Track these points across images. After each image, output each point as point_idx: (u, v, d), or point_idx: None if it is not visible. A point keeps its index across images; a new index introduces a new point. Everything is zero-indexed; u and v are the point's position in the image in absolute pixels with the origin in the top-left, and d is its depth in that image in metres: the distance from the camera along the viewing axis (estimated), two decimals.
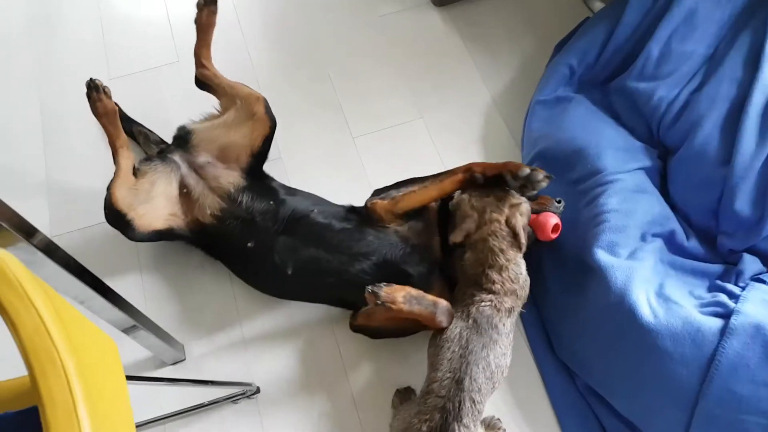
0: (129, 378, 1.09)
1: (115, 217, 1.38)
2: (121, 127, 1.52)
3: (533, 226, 1.36)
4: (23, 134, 1.74)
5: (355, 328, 1.39)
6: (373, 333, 1.42)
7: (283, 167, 1.68)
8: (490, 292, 1.24)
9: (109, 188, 1.39)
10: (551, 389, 1.40)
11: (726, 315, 1.19)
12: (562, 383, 1.40)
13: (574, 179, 1.49)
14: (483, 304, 1.22)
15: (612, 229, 1.35)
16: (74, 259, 0.98)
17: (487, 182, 1.35)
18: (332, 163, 1.69)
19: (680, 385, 1.18)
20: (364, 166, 1.68)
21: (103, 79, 1.51)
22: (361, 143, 1.72)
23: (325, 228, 1.37)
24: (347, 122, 1.76)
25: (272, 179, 1.51)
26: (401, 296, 1.22)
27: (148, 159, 1.49)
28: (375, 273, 1.34)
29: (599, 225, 1.37)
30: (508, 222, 1.29)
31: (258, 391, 1.39)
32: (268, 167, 1.64)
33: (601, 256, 1.32)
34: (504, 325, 1.23)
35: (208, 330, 1.46)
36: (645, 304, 1.24)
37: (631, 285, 1.26)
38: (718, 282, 1.32)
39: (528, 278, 1.30)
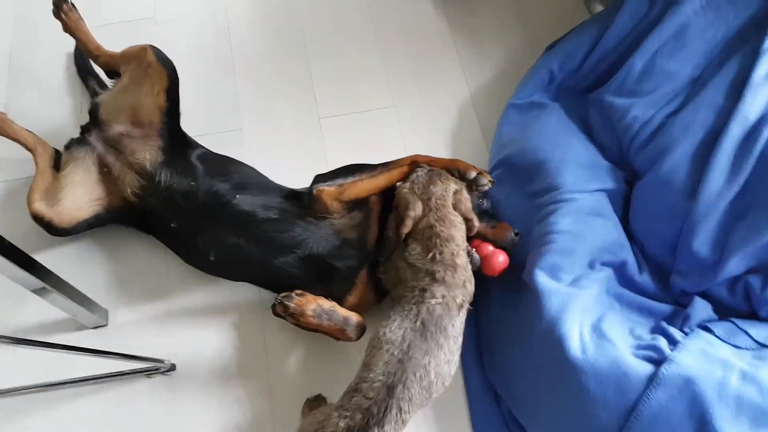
0: (32, 342, 1.07)
1: (36, 220, 1.37)
2: (20, 129, 1.48)
3: (482, 259, 1.30)
4: None
5: (276, 314, 1.31)
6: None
7: (241, 138, 1.62)
8: (442, 283, 1.16)
9: (28, 193, 1.39)
10: (474, 409, 1.34)
11: (659, 361, 1.10)
12: (486, 404, 1.34)
13: (532, 192, 1.40)
14: (434, 301, 1.14)
15: (558, 251, 1.26)
16: None
17: None
18: (293, 141, 1.63)
19: (599, 429, 1.11)
20: (326, 148, 1.61)
21: None
22: (326, 124, 1.65)
23: (247, 216, 1.30)
24: (316, 101, 1.68)
25: (194, 149, 1.43)
26: (311, 309, 1.20)
27: (68, 146, 1.45)
28: (299, 266, 1.29)
29: (546, 245, 1.28)
30: (455, 207, 1.24)
31: (173, 368, 1.35)
32: (226, 138, 1.61)
33: (541, 278, 1.24)
34: (453, 326, 1.15)
35: (134, 299, 1.43)
36: (576, 337, 1.16)
37: (565, 314, 1.18)
38: (663, 324, 1.23)
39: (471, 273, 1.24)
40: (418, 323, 1.12)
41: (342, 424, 1.05)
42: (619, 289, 1.29)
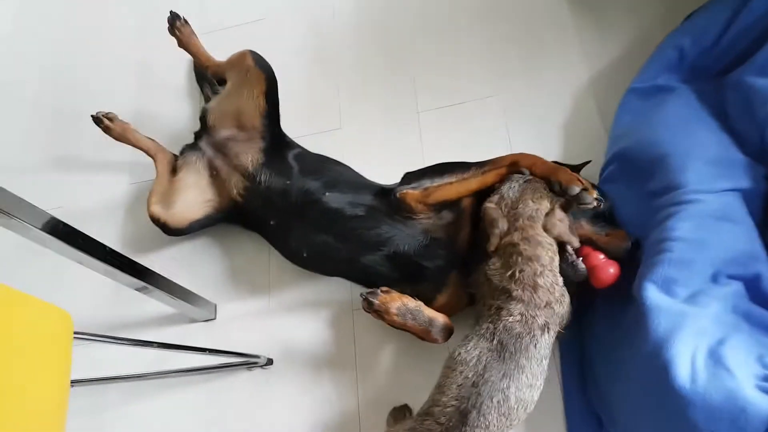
0: (145, 342, 1.18)
1: (153, 222, 1.48)
2: (142, 138, 1.59)
3: (589, 270, 1.17)
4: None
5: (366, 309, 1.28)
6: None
7: (340, 137, 1.62)
8: (520, 301, 1.07)
9: (148, 197, 1.51)
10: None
11: None
12: (586, 427, 1.22)
13: (651, 191, 1.22)
14: (511, 319, 1.06)
15: (674, 262, 1.09)
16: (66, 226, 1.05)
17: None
18: (390, 138, 1.59)
19: None
20: (423, 144, 1.55)
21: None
22: (424, 119, 1.59)
23: (335, 214, 1.30)
24: (416, 94, 1.62)
25: (292, 150, 1.46)
26: (395, 307, 1.15)
27: (182, 151, 1.54)
28: (386, 264, 1.27)
29: (660, 254, 1.11)
30: (546, 230, 1.14)
31: (271, 362, 1.40)
32: (325, 137, 1.61)
33: (651, 293, 1.08)
34: (536, 346, 1.06)
35: (240, 294, 1.49)
36: (686, 362, 0.99)
37: (676, 336, 1.02)
38: None
39: (566, 293, 1.13)
40: (495, 342, 1.04)
41: None
42: (750, 306, 1.08)
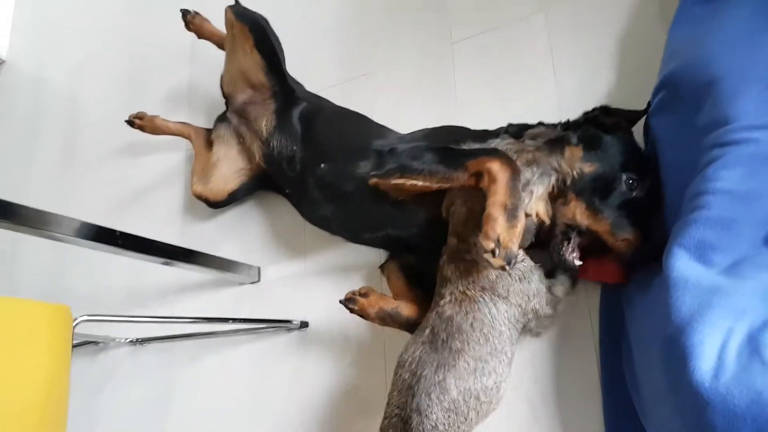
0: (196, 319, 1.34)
1: (197, 198, 1.53)
2: (172, 125, 1.62)
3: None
4: None
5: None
6: None
7: (369, 83, 1.50)
8: (447, 281, 0.98)
9: (190, 176, 1.56)
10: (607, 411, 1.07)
11: None
12: (620, 410, 1.06)
13: (701, 125, 0.97)
14: (442, 302, 0.97)
15: (710, 222, 0.87)
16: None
17: None
18: (422, 78, 1.45)
19: None
20: (455, 81, 1.39)
21: None
22: (459, 50, 1.41)
23: (330, 189, 1.24)
24: (450, 23, 1.43)
25: (299, 106, 1.38)
26: (374, 312, 1.13)
27: (214, 125, 1.54)
28: (385, 242, 1.24)
29: (694, 212, 0.89)
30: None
31: (306, 325, 1.41)
32: (354, 85, 1.53)
33: (679, 261, 0.88)
34: (473, 325, 0.93)
35: (281, 257, 1.51)
36: (711, 352, 0.80)
37: (702, 317, 0.83)
38: None
39: (532, 268, 0.99)
40: (427, 332, 0.94)
41: None
42: None
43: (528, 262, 1.00)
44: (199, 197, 1.53)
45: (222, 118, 1.53)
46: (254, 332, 1.46)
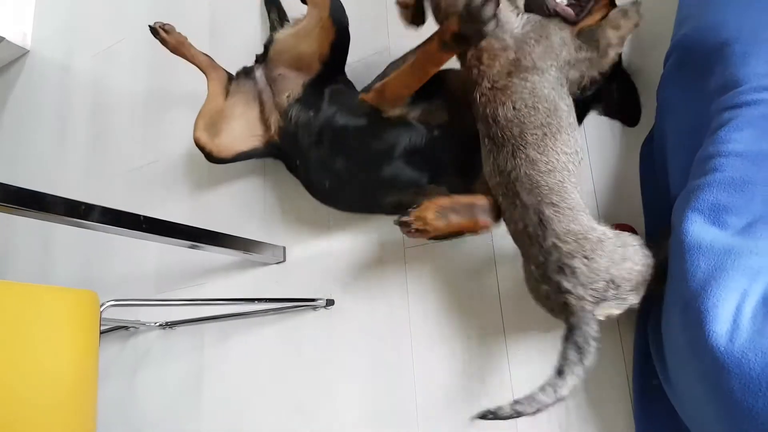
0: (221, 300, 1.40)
1: (198, 147, 1.51)
2: (197, 52, 1.59)
3: None
4: None
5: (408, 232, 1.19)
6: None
7: (388, 59, 1.48)
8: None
9: (196, 118, 1.52)
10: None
11: None
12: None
13: (711, 91, 0.97)
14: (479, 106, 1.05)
15: (723, 184, 0.88)
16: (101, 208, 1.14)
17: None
18: None
19: None
20: None
21: None
22: None
23: (343, 131, 1.26)
24: None
25: (334, 84, 1.38)
26: (432, 213, 1.06)
27: (237, 75, 1.53)
28: (406, 168, 1.20)
29: (707, 174, 0.90)
30: None
31: (332, 303, 1.44)
32: (372, 60, 1.54)
33: (694, 226, 0.89)
34: (519, 100, 1.00)
35: (305, 237, 1.53)
36: (726, 315, 0.81)
37: (717, 281, 0.83)
38: None
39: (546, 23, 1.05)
40: (486, 141, 1.05)
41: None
42: None
43: (533, 19, 1.05)
44: (202, 147, 1.51)
45: (249, 74, 1.52)
46: (281, 312, 1.50)
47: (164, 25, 1.58)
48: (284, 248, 1.55)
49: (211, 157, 1.52)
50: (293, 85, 1.41)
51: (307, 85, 1.40)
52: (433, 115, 1.18)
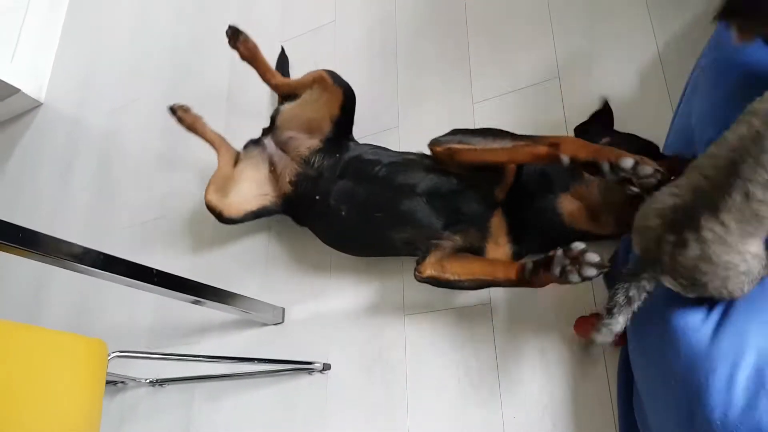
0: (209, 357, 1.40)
1: (208, 209, 1.58)
2: (210, 131, 1.70)
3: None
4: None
5: (423, 279, 1.25)
6: (443, 284, 1.26)
7: (397, 137, 1.60)
8: None
9: (207, 185, 1.61)
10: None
11: None
12: None
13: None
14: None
15: None
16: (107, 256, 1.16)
17: (576, 168, 1.09)
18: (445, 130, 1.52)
19: None
20: None
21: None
22: (479, 111, 1.51)
23: (373, 163, 1.35)
24: (471, 84, 1.55)
25: (354, 141, 1.51)
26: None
27: (246, 145, 1.62)
28: (424, 209, 1.26)
29: None
30: None
31: (329, 367, 1.45)
32: (383, 137, 1.62)
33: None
34: None
35: (305, 298, 1.56)
36: (720, 386, 0.84)
37: (711, 352, 0.87)
38: None
39: None
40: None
41: (669, 201, 0.89)
42: None
43: None
44: (213, 209, 1.58)
45: (257, 142, 1.61)
46: (275, 375, 1.50)
47: (181, 105, 1.71)
48: (283, 309, 1.57)
49: (221, 218, 1.57)
50: (309, 143, 1.51)
51: (326, 140, 1.50)
52: (472, 177, 1.24)
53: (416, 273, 1.24)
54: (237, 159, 1.64)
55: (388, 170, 1.33)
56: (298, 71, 1.81)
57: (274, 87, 1.66)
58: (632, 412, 1.10)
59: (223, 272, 1.70)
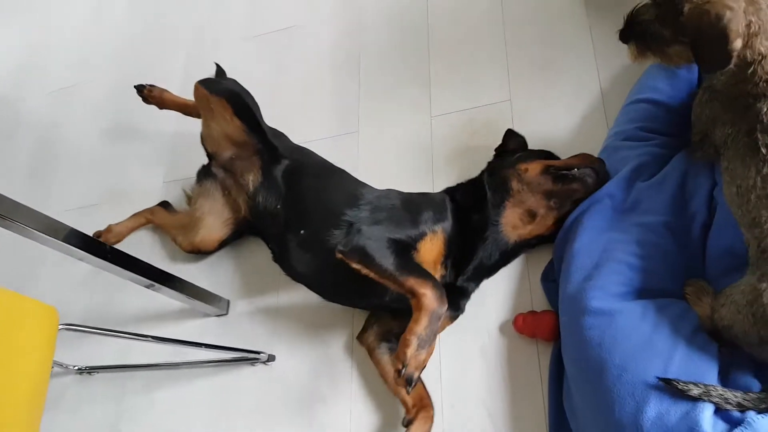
0: (152, 338, 1.36)
1: (191, 253, 1.62)
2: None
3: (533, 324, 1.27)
4: None
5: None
6: None
7: (357, 140, 1.66)
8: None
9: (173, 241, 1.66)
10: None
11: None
12: None
13: None
14: None
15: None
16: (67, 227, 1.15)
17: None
18: (403, 142, 1.62)
19: None
20: (433, 148, 1.57)
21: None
22: (437, 124, 1.60)
23: (312, 254, 1.36)
24: (430, 99, 1.64)
25: (281, 164, 1.47)
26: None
27: (198, 178, 1.62)
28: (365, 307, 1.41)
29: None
30: None
31: (273, 359, 1.45)
32: (343, 141, 1.67)
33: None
34: None
35: (252, 292, 1.56)
36: None
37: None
38: None
39: None
40: None
41: None
42: None
43: None
44: (192, 251, 1.61)
45: (206, 173, 1.60)
46: (215, 365, 1.49)
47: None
48: (228, 301, 1.57)
49: (201, 253, 1.61)
50: (251, 166, 1.49)
51: (264, 169, 1.48)
52: None
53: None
54: (169, 207, 1.70)
55: (327, 273, 1.34)
56: (262, 69, 1.85)
57: (190, 113, 1.67)
58: (561, 400, 1.20)
59: (172, 265, 1.66)
